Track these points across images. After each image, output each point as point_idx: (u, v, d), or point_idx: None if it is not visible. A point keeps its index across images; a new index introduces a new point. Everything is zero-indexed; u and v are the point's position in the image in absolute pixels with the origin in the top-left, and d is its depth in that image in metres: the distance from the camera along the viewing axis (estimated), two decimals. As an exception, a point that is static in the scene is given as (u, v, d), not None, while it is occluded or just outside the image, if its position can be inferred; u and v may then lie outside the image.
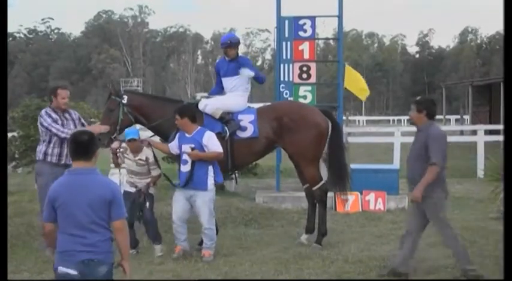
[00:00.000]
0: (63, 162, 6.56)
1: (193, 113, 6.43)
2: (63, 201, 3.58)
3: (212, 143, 6.30)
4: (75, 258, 3.54)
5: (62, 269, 3.56)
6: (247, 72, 6.95)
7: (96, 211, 3.58)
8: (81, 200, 3.57)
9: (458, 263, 5.56)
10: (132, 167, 6.64)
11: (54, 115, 6.64)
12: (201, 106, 6.93)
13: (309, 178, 7.01)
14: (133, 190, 6.62)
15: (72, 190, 3.60)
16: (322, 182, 7.03)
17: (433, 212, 5.47)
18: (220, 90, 7.32)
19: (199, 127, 6.40)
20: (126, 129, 6.68)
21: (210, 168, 6.32)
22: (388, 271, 5.64)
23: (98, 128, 6.69)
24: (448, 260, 6.10)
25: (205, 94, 7.48)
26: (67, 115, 6.80)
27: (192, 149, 6.23)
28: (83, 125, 6.86)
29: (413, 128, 5.86)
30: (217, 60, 7.43)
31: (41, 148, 6.65)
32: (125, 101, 6.81)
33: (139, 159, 6.57)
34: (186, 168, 6.32)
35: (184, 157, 6.32)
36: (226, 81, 7.14)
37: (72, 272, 3.53)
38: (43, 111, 6.72)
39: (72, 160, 3.73)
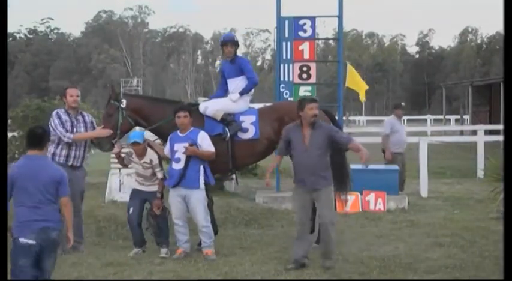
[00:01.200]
0: (70, 163, 6.58)
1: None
2: (21, 180, 4.36)
3: (206, 143, 6.41)
4: (33, 226, 4.32)
5: (22, 240, 4.29)
6: (235, 98, 7.01)
7: (48, 188, 4.41)
8: (37, 180, 4.37)
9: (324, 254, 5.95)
10: (139, 171, 6.65)
11: (64, 117, 6.63)
12: (201, 109, 6.95)
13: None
14: (142, 187, 6.66)
15: (29, 171, 4.39)
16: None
17: (330, 199, 5.91)
18: (222, 94, 7.32)
19: (192, 128, 6.48)
20: (131, 133, 6.68)
21: (202, 168, 6.41)
22: (295, 264, 5.90)
23: (102, 132, 6.69)
24: (448, 260, 6.10)
25: (206, 98, 7.47)
26: (79, 118, 6.79)
27: (191, 145, 6.27)
28: (93, 128, 6.85)
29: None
30: (221, 62, 7.47)
31: (49, 149, 6.63)
32: (123, 105, 6.80)
33: (145, 162, 6.57)
34: (178, 166, 6.37)
35: (177, 155, 6.38)
36: (230, 83, 7.19)
37: (31, 241, 4.29)
38: (54, 112, 6.74)
39: (28, 149, 4.48)
